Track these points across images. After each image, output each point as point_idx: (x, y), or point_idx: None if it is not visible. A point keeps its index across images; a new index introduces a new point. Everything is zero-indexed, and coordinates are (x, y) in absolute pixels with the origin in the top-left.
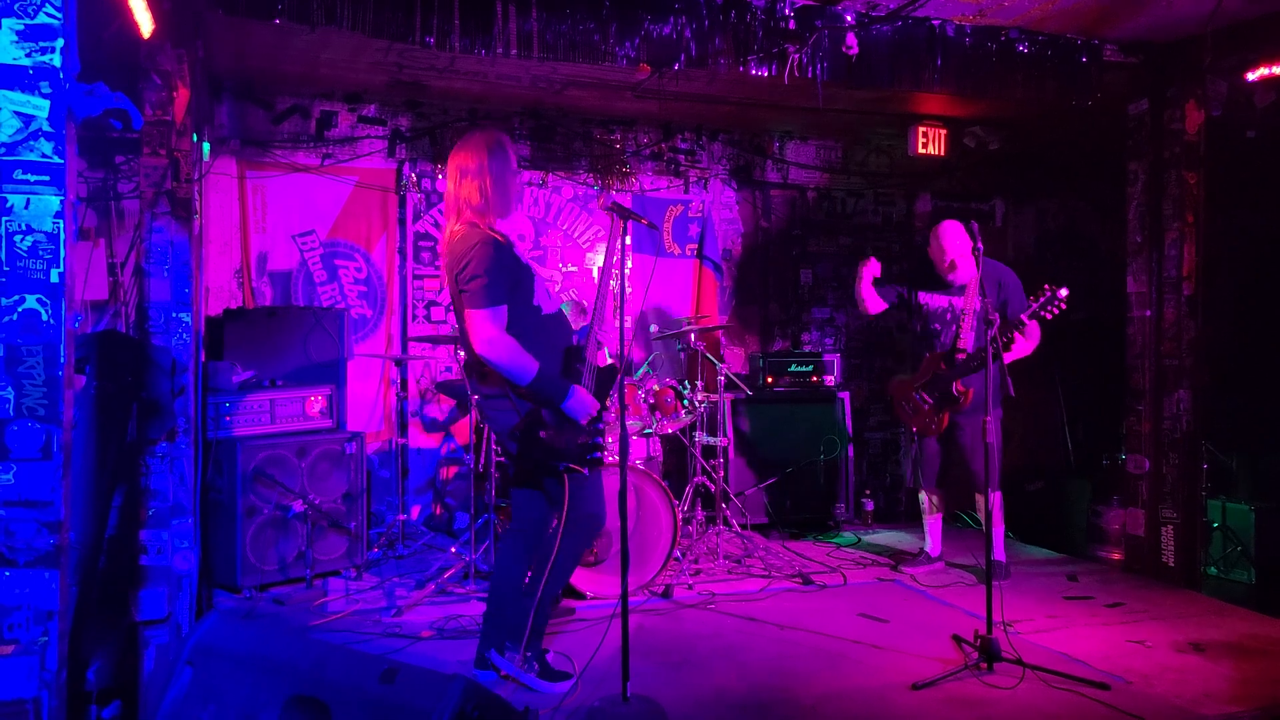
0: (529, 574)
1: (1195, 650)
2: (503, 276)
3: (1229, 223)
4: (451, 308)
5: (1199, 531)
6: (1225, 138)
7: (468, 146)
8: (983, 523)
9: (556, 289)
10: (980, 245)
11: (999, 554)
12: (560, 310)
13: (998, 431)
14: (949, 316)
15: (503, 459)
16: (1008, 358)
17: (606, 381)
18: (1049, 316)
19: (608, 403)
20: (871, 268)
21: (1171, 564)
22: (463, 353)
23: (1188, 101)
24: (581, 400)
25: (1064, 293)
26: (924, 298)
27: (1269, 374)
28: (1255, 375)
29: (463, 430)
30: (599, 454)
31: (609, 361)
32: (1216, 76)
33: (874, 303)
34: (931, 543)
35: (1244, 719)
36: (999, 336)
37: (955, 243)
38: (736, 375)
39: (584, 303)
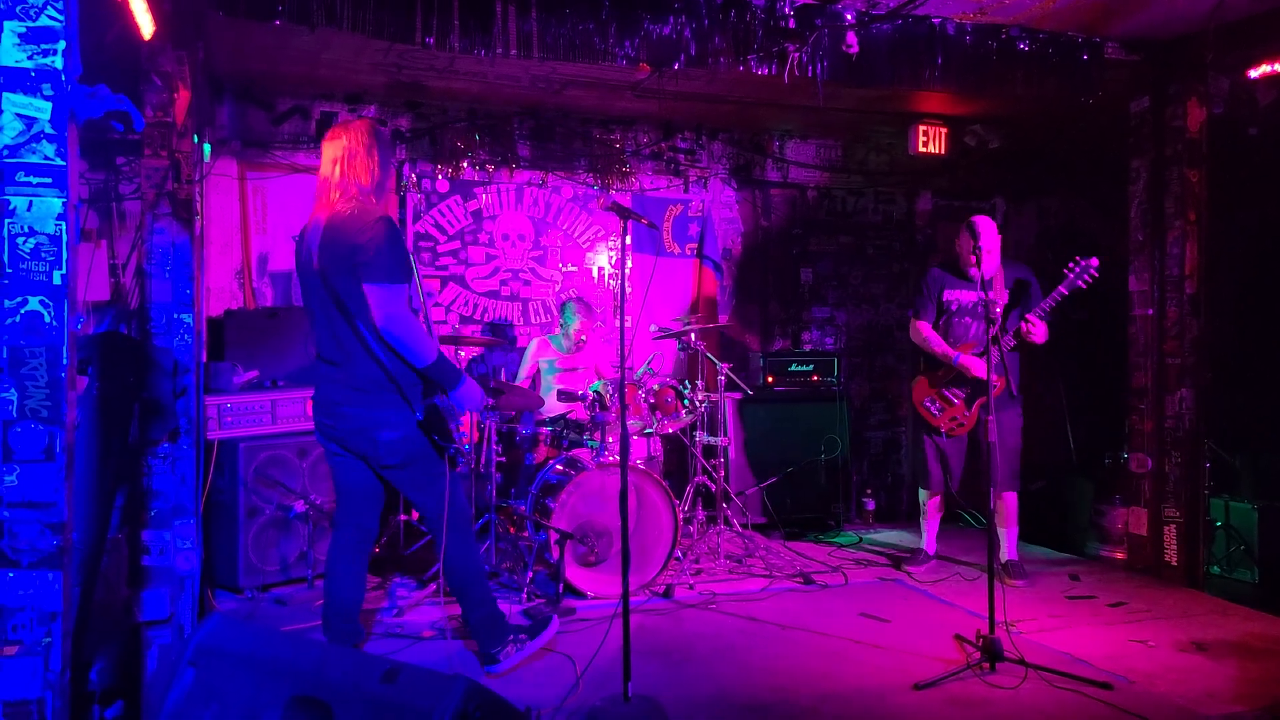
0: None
1: (1198, 649)
2: (402, 258)
3: (1231, 221)
4: (307, 293)
5: (1202, 530)
6: (1227, 135)
7: (352, 130)
8: (1005, 525)
9: (557, 288)
10: (998, 238)
11: (1012, 553)
12: (422, 312)
13: (1017, 430)
14: (979, 309)
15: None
16: (1038, 340)
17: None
18: (1084, 286)
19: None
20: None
21: (1174, 563)
22: (316, 348)
23: (1189, 99)
24: (471, 389)
25: (1094, 261)
26: (950, 294)
27: (1272, 372)
28: (1258, 373)
29: (463, 430)
30: (463, 446)
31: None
32: (1218, 73)
33: (936, 339)
34: (928, 540)
35: (1246, 718)
36: (1010, 338)
37: (986, 232)
38: (737, 374)
39: (589, 301)
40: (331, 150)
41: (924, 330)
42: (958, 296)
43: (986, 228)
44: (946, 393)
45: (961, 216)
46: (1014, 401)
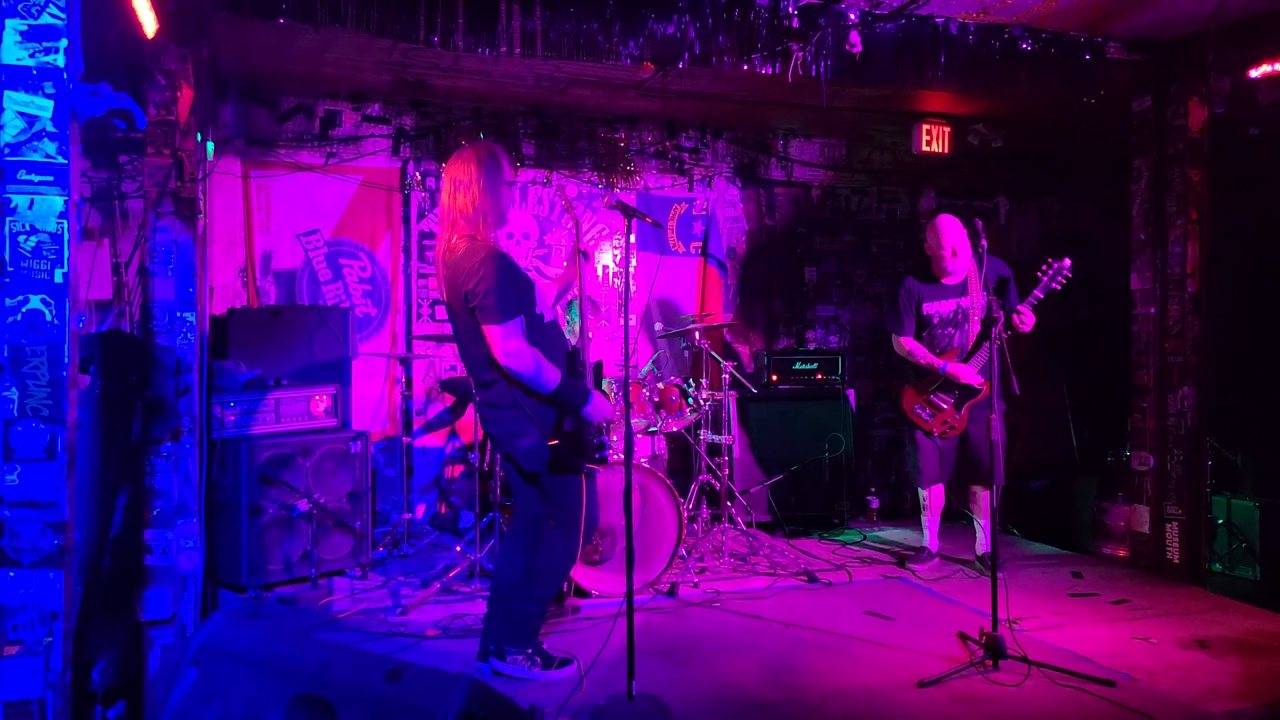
0: (528, 575)
1: (1200, 647)
2: (513, 288)
3: (1232, 220)
4: (451, 319)
5: (1204, 528)
6: (1229, 135)
7: (460, 159)
8: (982, 518)
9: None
10: (985, 243)
11: (985, 546)
12: (555, 319)
13: (1002, 428)
14: (959, 318)
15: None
16: (1023, 330)
17: (597, 376)
18: (1058, 287)
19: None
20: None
21: (1176, 560)
22: (464, 367)
23: (1191, 98)
24: (600, 404)
25: (1067, 262)
26: (930, 307)
27: (1272, 370)
28: (1260, 372)
29: (467, 429)
30: (607, 451)
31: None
32: (1220, 73)
33: (921, 351)
34: (930, 538)
35: (1249, 715)
36: (1003, 331)
37: (952, 231)
38: (741, 373)
39: (596, 300)
40: (446, 180)
41: (908, 345)
42: (937, 309)
43: (951, 227)
44: (935, 399)
45: (965, 215)
46: (1000, 401)
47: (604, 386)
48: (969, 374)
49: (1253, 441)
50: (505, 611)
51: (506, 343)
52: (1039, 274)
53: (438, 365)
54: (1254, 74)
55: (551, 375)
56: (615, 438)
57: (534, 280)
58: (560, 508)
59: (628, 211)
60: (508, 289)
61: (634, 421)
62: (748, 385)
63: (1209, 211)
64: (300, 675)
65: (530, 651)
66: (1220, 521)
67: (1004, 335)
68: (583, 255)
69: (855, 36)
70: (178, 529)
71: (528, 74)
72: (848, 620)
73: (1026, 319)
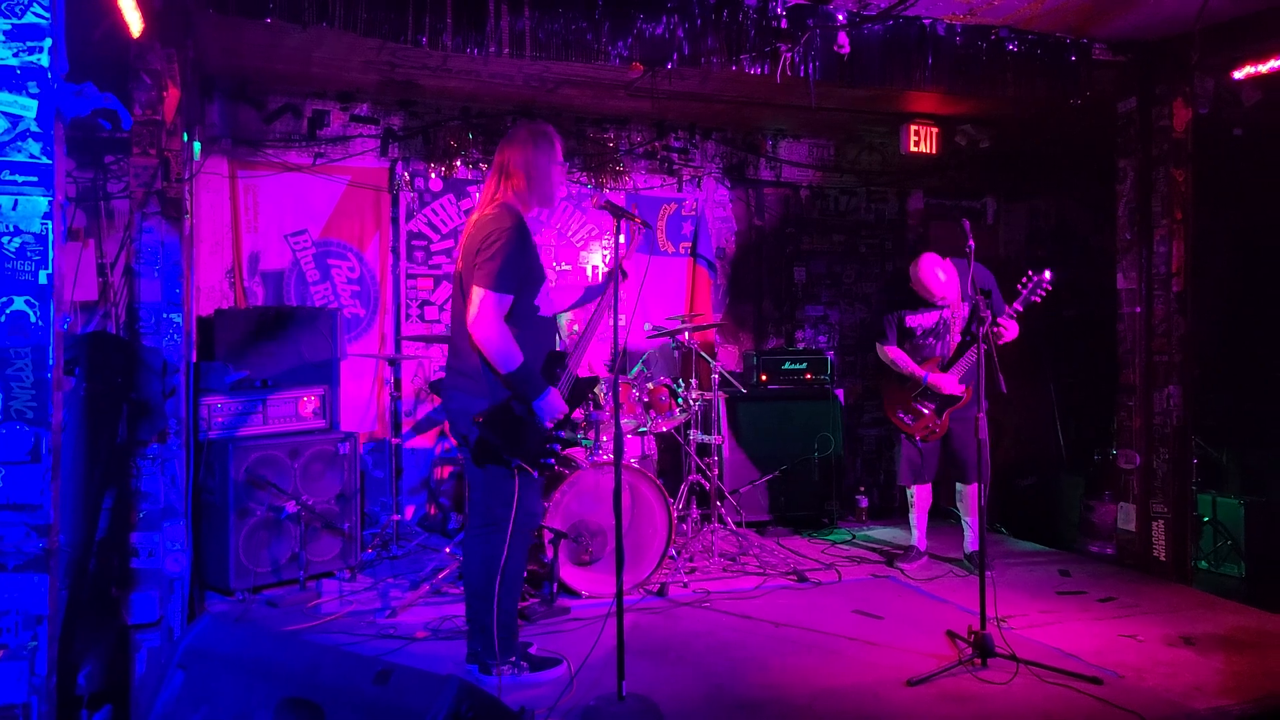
0: (486, 584)
1: (1186, 644)
2: (518, 267)
3: (1217, 219)
4: (457, 288)
5: (1190, 526)
6: (1213, 135)
7: (511, 140)
8: (970, 516)
9: (550, 287)
10: (972, 244)
11: (973, 544)
12: (554, 318)
13: (984, 427)
14: (941, 328)
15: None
16: (1001, 342)
17: (582, 390)
18: (1038, 300)
19: (576, 412)
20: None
21: (1163, 558)
22: (449, 330)
23: (1176, 99)
24: (552, 402)
25: (1047, 275)
26: (913, 319)
27: (1257, 369)
28: (1244, 370)
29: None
30: (551, 460)
31: (591, 374)
32: (1204, 74)
33: (904, 360)
34: (918, 536)
35: (1234, 712)
36: (990, 331)
37: (934, 281)
38: (731, 373)
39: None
40: (496, 155)
41: (892, 353)
42: (920, 321)
43: (930, 276)
44: (916, 405)
45: (953, 215)
46: (984, 400)
47: (594, 389)
48: (949, 384)
49: (1237, 439)
50: (477, 623)
51: (484, 309)
52: (1019, 286)
53: (426, 366)
54: (1238, 75)
55: (514, 356)
56: (605, 438)
57: (546, 275)
58: (498, 501)
59: (617, 212)
60: (513, 263)
61: (624, 422)
62: (737, 385)
63: (1194, 211)
64: (288, 678)
65: (514, 659)
66: (1206, 519)
67: (986, 343)
68: (623, 274)
69: (843, 37)
70: (164, 531)
71: (516, 74)
72: (837, 619)
73: (1008, 330)
